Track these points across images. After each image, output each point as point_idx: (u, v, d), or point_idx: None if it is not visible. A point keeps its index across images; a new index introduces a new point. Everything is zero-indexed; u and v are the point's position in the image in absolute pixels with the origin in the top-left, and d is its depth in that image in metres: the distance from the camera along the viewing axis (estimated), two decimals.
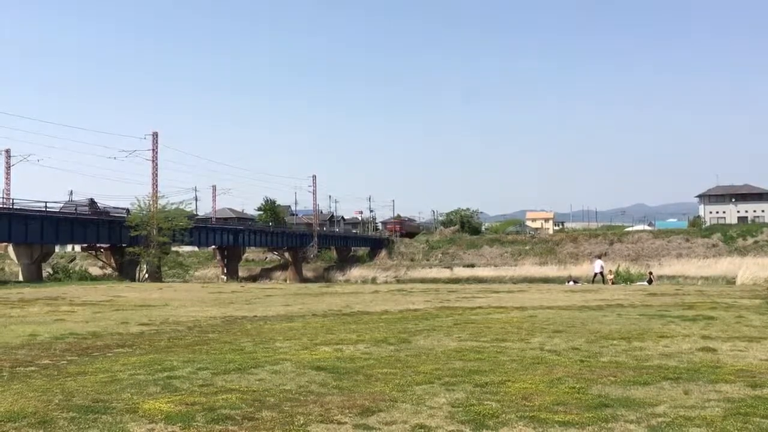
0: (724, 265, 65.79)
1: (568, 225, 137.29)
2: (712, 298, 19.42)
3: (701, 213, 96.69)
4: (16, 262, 47.14)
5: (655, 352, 9.55)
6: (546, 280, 57.61)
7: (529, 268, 76.08)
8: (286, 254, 79.05)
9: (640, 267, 61.66)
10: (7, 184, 54.52)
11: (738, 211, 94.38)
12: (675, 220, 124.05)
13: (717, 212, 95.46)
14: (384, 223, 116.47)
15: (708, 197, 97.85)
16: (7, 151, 55.24)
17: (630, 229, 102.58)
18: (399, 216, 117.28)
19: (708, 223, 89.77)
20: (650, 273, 42.55)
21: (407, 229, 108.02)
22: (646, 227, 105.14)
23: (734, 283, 45.68)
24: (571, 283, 37.56)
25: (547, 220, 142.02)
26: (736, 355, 9.23)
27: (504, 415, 5.95)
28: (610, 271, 39.99)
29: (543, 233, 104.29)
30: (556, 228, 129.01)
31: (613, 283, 35.67)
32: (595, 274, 37.26)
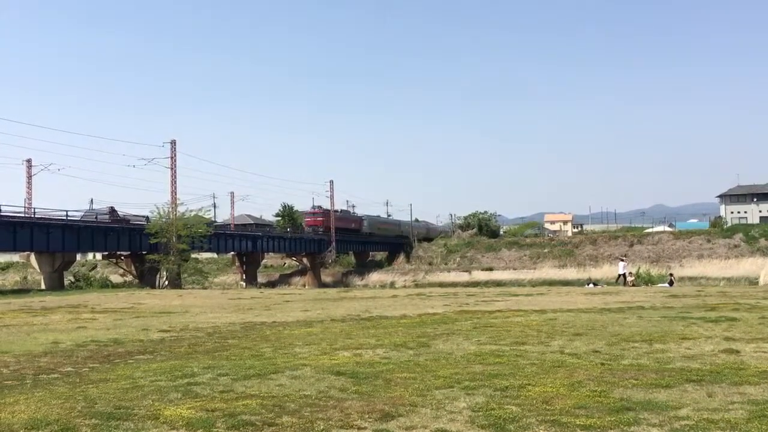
0: (746, 266, 65.01)
1: (587, 227, 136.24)
2: (734, 299, 19.18)
3: (722, 213, 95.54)
4: (38, 270, 47.58)
5: (677, 354, 9.45)
6: (565, 283, 57.20)
7: (548, 270, 75.55)
8: (305, 259, 79.08)
9: (660, 268, 61.08)
10: (29, 193, 55.14)
11: (760, 211, 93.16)
12: (696, 220, 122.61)
13: (738, 212, 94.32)
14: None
15: (729, 197, 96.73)
16: (29, 161, 55.89)
17: (650, 230, 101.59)
18: (320, 207, 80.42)
19: (729, 224, 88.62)
20: (671, 274, 42.15)
21: (342, 224, 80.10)
22: (667, 228, 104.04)
23: (757, 283, 45.20)
24: (591, 285, 37.29)
25: (565, 222, 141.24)
26: (760, 356, 9.11)
27: (525, 419, 5.91)
28: (630, 273, 39.68)
29: (562, 235, 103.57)
30: (575, 230, 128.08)
31: (633, 285, 35.35)
32: (619, 276, 37.00)
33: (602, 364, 8.74)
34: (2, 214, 42.39)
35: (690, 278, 59.32)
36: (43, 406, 6.70)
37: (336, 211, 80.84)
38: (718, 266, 67.99)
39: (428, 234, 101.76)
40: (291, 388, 7.48)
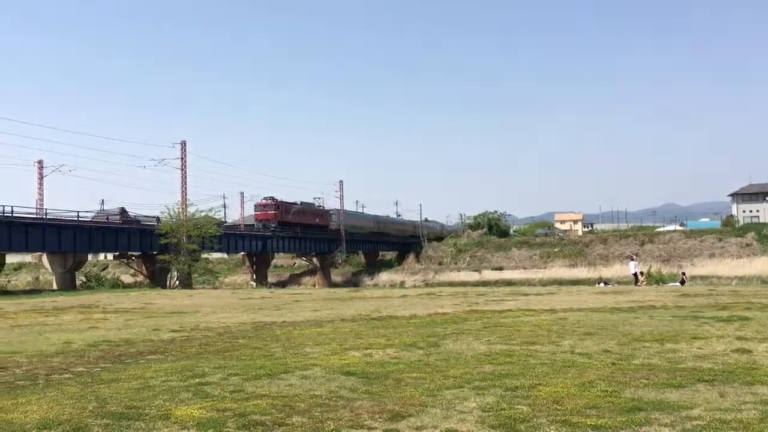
0: (758, 265, 64.69)
1: (598, 226, 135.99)
2: (746, 298, 19.05)
3: (734, 212, 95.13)
4: (50, 270, 47.95)
5: (688, 354, 9.40)
6: (576, 282, 57.07)
7: (558, 270, 75.41)
8: (314, 260, 79.25)
9: (672, 268, 60.81)
10: (41, 194, 55.51)
11: None
12: (707, 219, 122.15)
13: (750, 211, 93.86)
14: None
15: (741, 196, 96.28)
16: (40, 162, 56.26)
17: (661, 229, 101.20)
18: (272, 198, 69.88)
19: (741, 222, 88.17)
20: (683, 273, 41.93)
21: (301, 218, 71.68)
22: (678, 227, 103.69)
23: None
24: (602, 284, 37.14)
25: (575, 221, 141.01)
26: None
27: (535, 420, 5.90)
28: (641, 272, 39.47)
29: (572, 235, 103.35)
30: (586, 229, 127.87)
31: (641, 283, 35.15)
32: (634, 275, 36.80)
33: (613, 363, 8.70)
34: (15, 215, 42.72)
35: (701, 277, 59.05)
36: (55, 406, 6.73)
37: (294, 203, 72.50)
38: (730, 265, 67.66)
39: (415, 232, 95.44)
40: (301, 388, 7.49)
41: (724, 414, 5.96)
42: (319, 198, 79.34)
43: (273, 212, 68.16)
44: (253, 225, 75.21)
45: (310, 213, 74.48)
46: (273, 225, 67.72)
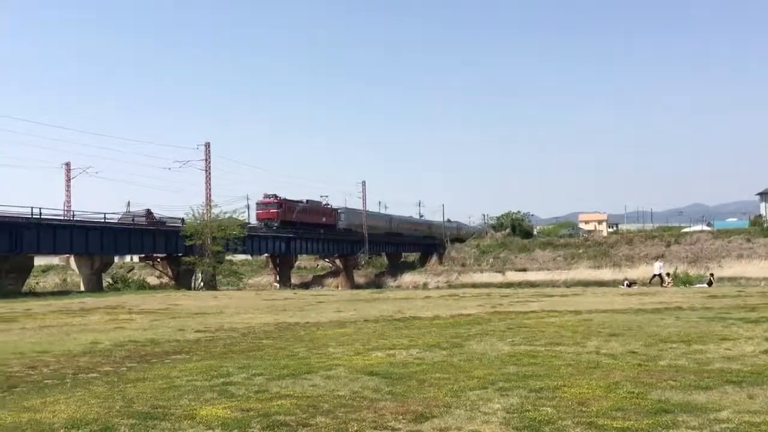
0: None
1: (623, 227, 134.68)
2: None
3: (762, 211, 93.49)
4: (77, 272, 48.52)
5: (716, 355, 9.27)
6: (600, 284, 56.57)
7: (582, 271, 74.87)
8: (338, 261, 79.40)
9: (698, 269, 60.08)
10: (68, 196, 56.29)
11: None
12: (735, 219, 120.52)
13: None
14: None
15: None
16: (67, 165, 57.04)
17: (688, 229, 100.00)
18: (275, 196, 66.41)
19: None
20: (710, 275, 41.38)
21: (307, 217, 68.33)
22: (705, 228, 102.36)
23: None
24: (625, 284, 36.77)
25: (600, 222, 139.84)
26: None
27: (560, 421, 5.85)
28: (668, 273, 39.02)
29: (596, 235, 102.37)
30: (610, 230, 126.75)
31: (667, 285, 34.75)
32: (654, 276, 36.46)
33: (639, 365, 8.61)
34: (43, 217, 43.35)
35: (729, 279, 58.23)
36: (82, 406, 6.82)
37: (299, 201, 68.89)
38: (759, 266, 66.68)
39: (431, 232, 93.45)
40: (325, 389, 7.51)
41: (753, 416, 5.87)
42: (326, 196, 77.29)
43: (275, 210, 65.18)
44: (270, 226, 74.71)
45: (316, 211, 71.53)
46: (275, 224, 64.78)
